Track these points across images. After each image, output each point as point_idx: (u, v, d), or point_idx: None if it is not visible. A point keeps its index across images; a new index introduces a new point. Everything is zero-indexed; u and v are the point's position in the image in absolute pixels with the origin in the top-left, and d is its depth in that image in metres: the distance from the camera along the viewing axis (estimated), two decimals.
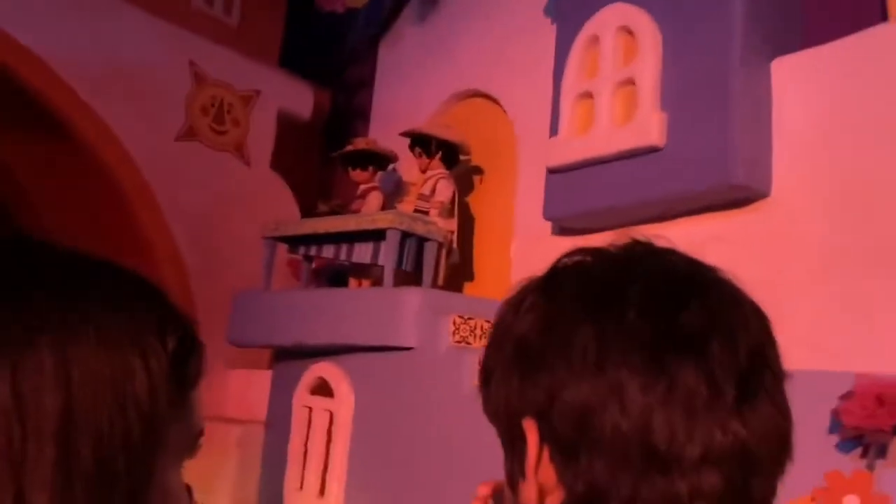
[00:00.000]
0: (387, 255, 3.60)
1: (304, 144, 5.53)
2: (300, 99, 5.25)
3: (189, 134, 4.58)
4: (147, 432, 0.41)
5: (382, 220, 3.65)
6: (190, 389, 0.46)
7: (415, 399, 3.42)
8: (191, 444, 0.48)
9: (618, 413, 0.50)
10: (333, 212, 4.27)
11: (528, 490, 0.55)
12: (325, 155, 5.84)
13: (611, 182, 3.12)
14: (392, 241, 3.60)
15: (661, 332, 0.52)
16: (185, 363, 0.45)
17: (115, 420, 0.39)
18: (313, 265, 4.43)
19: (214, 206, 4.60)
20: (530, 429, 0.54)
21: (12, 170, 4.66)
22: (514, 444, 0.57)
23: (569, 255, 0.61)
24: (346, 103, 6.15)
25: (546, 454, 0.54)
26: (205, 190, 4.57)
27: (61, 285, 0.42)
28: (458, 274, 4.14)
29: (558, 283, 0.58)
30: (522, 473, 0.56)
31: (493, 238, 4.14)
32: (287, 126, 5.22)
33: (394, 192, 4.61)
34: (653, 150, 2.96)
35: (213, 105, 4.68)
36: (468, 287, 4.23)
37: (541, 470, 0.54)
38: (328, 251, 4.13)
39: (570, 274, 0.58)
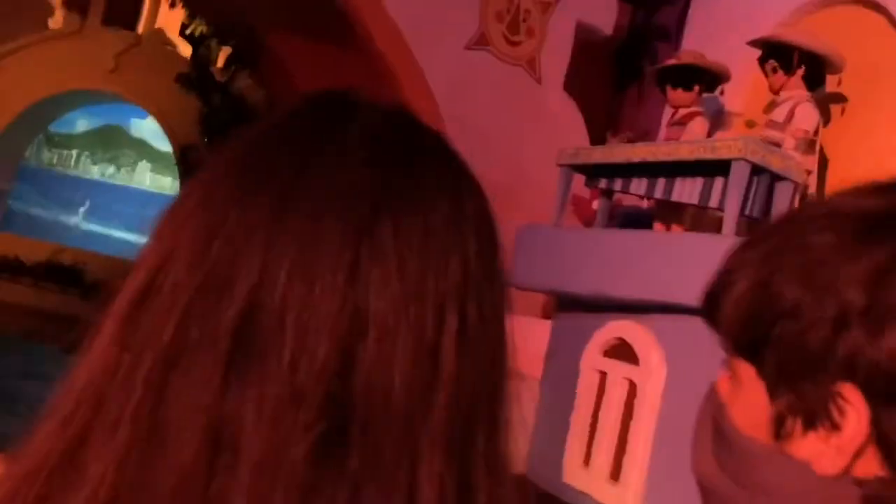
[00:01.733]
0: (731, 194, 2.79)
1: (596, 66, 4.80)
2: (602, 10, 4.50)
3: (481, 41, 4.03)
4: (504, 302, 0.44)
5: (729, 149, 2.84)
6: None
7: None
8: None
9: None
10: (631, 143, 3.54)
11: (830, 462, 0.46)
12: (618, 79, 5.11)
13: None
14: (739, 175, 2.78)
15: None
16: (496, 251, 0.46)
17: (488, 286, 0.42)
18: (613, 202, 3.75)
19: (499, 124, 4.04)
20: (856, 400, 0.45)
21: (291, 73, 4.42)
22: (805, 398, 0.47)
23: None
24: (646, 21, 5.33)
25: (873, 437, 0.45)
26: (490, 106, 4.03)
27: (441, 153, 0.46)
28: None
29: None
30: (805, 430, 0.48)
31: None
32: (579, 43, 4.51)
33: (714, 124, 3.76)
34: None
35: (508, 11, 4.08)
36: None
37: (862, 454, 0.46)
38: (638, 186, 3.40)
39: None
